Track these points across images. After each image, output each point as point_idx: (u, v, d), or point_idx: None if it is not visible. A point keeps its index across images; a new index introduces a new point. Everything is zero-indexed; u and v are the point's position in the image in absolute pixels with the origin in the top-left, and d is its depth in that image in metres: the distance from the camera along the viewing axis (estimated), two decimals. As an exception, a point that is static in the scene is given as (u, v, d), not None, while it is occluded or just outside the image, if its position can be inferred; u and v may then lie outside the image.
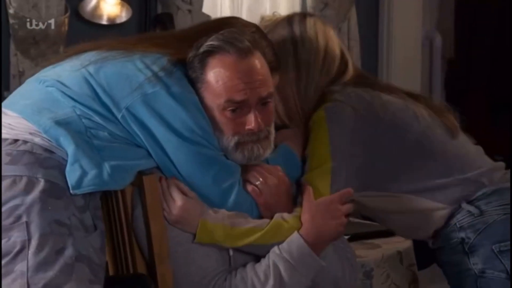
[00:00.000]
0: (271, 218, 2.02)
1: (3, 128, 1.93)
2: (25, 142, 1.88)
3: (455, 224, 2.21)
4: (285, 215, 2.03)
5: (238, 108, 1.99)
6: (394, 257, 2.58)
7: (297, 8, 4.69)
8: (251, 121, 2.00)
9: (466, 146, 2.32)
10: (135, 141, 1.97)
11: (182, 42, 2.08)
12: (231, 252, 2.00)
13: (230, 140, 2.02)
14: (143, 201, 1.97)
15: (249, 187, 2.05)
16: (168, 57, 2.02)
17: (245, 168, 2.07)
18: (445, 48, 5.12)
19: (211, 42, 2.00)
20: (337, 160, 2.09)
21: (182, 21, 3.93)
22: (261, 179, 2.05)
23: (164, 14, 3.89)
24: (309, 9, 4.47)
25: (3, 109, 2.00)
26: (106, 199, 2.02)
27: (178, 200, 1.98)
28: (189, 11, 3.99)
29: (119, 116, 1.95)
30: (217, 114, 2.01)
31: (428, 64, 5.08)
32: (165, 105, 1.95)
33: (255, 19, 4.48)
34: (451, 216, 2.22)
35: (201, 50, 2.01)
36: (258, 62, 2.01)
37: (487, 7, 5.14)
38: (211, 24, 2.22)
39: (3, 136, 1.91)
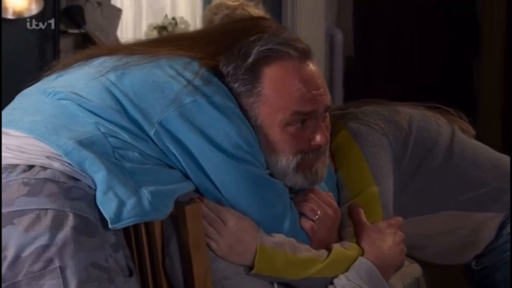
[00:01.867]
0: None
1: (7, 151, 1.61)
2: (43, 168, 1.56)
3: (508, 234, 1.99)
4: (344, 243, 1.78)
5: (304, 121, 1.71)
6: (413, 285, 2.35)
7: (198, 4, 4.50)
8: (319, 134, 1.72)
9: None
10: (169, 162, 1.66)
11: (208, 46, 1.79)
12: (275, 286, 1.72)
13: (291, 161, 1.72)
14: (183, 234, 1.64)
15: (307, 224, 1.76)
16: (198, 62, 1.73)
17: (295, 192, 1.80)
18: (345, 46, 5.07)
19: (264, 46, 1.70)
20: (380, 182, 1.87)
21: (92, 14, 3.64)
22: (319, 213, 1.77)
23: (73, 7, 3.59)
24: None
25: (3, 130, 1.67)
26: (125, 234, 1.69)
27: (230, 219, 1.67)
28: (99, 3, 3.70)
29: (151, 133, 1.63)
30: (276, 131, 1.71)
31: (329, 62, 5.01)
32: (206, 116, 1.65)
33: (155, 13, 4.37)
34: (502, 225, 2.00)
35: (252, 58, 1.70)
36: (315, 66, 1.75)
37: (386, 4, 5.12)
38: (236, 26, 1.92)
39: (10, 161, 1.59)
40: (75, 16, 3.58)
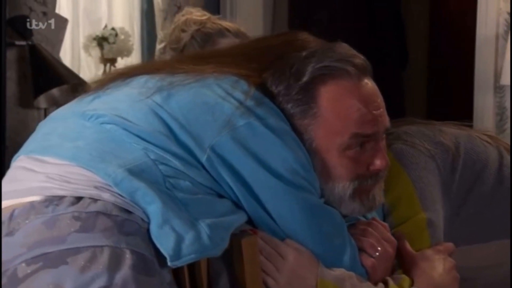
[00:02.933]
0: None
1: (49, 181, 1.44)
2: (93, 200, 1.41)
3: None
4: (396, 277, 1.64)
5: (363, 144, 1.58)
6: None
7: (136, 14, 4.30)
8: (379, 158, 1.59)
9: None
10: (220, 190, 1.51)
11: (249, 62, 1.65)
12: None
13: (347, 187, 1.58)
14: (238, 270, 1.49)
15: (368, 261, 1.61)
16: (246, 81, 1.58)
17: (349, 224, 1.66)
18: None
19: (320, 64, 1.56)
20: (428, 209, 1.73)
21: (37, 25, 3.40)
22: (379, 249, 1.63)
23: (18, 17, 3.33)
24: (161, 12, 4.09)
25: (35, 157, 1.52)
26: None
27: (289, 254, 1.52)
28: (44, 13, 3.46)
29: (203, 159, 1.48)
30: (334, 156, 1.57)
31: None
32: (260, 140, 1.51)
33: (91, 23, 4.15)
34: None
35: (307, 77, 1.56)
36: (373, 83, 1.61)
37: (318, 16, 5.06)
38: (275, 41, 1.76)
39: (54, 192, 1.43)
40: (20, 26, 3.31)
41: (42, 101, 3.35)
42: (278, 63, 1.63)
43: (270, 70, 1.63)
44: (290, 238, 1.54)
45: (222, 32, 2.77)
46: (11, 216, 1.42)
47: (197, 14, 2.84)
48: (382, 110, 1.59)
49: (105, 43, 4.01)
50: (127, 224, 1.39)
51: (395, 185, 1.73)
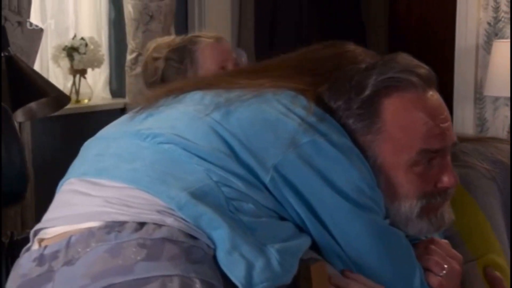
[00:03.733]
0: None
1: (108, 205, 1.35)
2: (157, 225, 1.31)
3: None
4: None
5: (430, 160, 1.48)
6: None
7: (104, 23, 4.16)
8: (447, 175, 1.49)
9: None
10: (282, 213, 1.41)
11: (302, 75, 1.56)
12: None
13: (415, 206, 1.49)
14: None
15: (435, 281, 1.51)
16: (303, 96, 1.49)
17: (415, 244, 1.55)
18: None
19: (383, 76, 1.47)
20: (501, 239, 1.64)
21: (11, 35, 3.25)
22: (446, 267, 1.53)
23: (-5, 27, 3.17)
24: (132, 21, 3.97)
25: (89, 180, 1.42)
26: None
27: None
28: (19, 23, 3.31)
29: (266, 180, 1.38)
30: (400, 173, 1.48)
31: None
32: (325, 158, 1.41)
33: (59, 34, 3.98)
34: None
35: (370, 90, 1.47)
36: (438, 94, 1.52)
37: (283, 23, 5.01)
38: (323, 53, 1.67)
39: (114, 217, 1.33)
40: (-5, 37, 3.14)
41: (19, 115, 3.18)
42: (335, 76, 1.55)
43: (326, 84, 1.54)
44: (356, 263, 1.44)
45: (193, 40, 2.71)
46: (68, 243, 1.31)
47: (162, 38, 2.78)
48: (449, 124, 1.50)
49: (75, 53, 3.85)
50: (194, 251, 1.30)
51: (462, 213, 1.62)
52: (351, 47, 1.68)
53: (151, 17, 3.98)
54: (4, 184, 1.75)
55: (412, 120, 1.46)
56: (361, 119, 1.48)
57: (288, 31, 5.03)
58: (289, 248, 1.36)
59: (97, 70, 4.10)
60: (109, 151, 1.46)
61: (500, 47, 3.50)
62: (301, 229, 1.42)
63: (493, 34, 3.70)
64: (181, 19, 4.40)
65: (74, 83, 3.96)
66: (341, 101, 1.49)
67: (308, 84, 1.53)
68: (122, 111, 4.11)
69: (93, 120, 3.87)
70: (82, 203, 1.38)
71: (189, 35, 2.81)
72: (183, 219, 1.32)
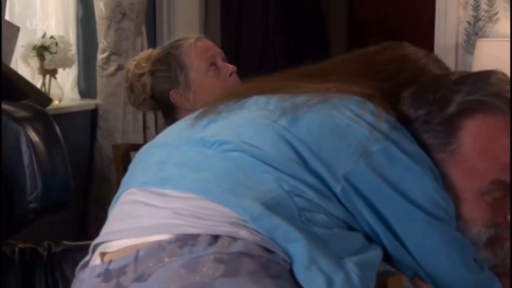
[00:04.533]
0: None
1: (177, 217, 1.27)
2: (233, 239, 1.24)
3: None
4: None
5: (505, 192, 1.40)
6: None
7: (72, 21, 4.02)
8: None
9: None
10: (353, 223, 1.35)
11: (368, 80, 1.49)
12: None
13: (483, 234, 1.42)
14: None
15: None
16: (371, 101, 1.41)
17: None
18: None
19: (472, 96, 1.39)
20: None
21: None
22: None
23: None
24: (104, 20, 3.84)
25: (152, 190, 1.34)
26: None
27: None
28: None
29: (337, 189, 1.31)
30: (468, 198, 1.41)
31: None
32: (398, 167, 1.34)
33: (26, 32, 3.82)
34: None
35: (455, 108, 1.40)
36: None
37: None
38: (387, 56, 1.59)
39: (186, 230, 1.25)
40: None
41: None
42: (419, 83, 1.48)
43: (409, 89, 1.47)
44: (430, 274, 1.38)
45: (174, 45, 2.63)
46: (136, 258, 1.23)
47: (139, 55, 2.71)
48: None
49: (46, 52, 3.70)
50: (271, 266, 1.23)
51: None
52: (412, 49, 1.61)
53: (124, 15, 3.85)
54: (47, 193, 1.65)
55: (494, 148, 1.38)
56: (438, 136, 1.41)
57: (254, 26, 4.98)
58: (366, 261, 1.31)
59: (66, 70, 3.95)
60: (172, 159, 1.38)
61: (483, 46, 3.50)
62: (370, 239, 1.37)
63: (473, 33, 3.71)
64: (149, 17, 4.29)
65: (44, 83, 3.81)
66: (422, 112, 1.43)
67: (373, 88, 1.46)
68: (93, 112, 3.99)
69: (64, 122, 3.72)
70: (148, 215, 1.30)
71: (166, 44, 2.73)
72: (257, 232, 1.25)
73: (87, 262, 1.35)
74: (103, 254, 1.31)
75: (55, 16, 3.99)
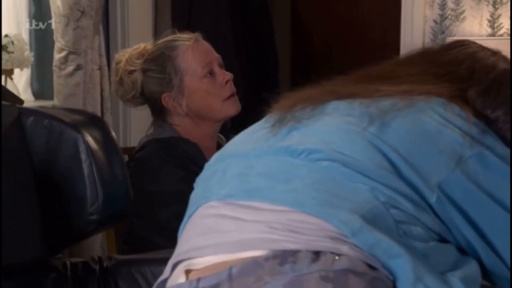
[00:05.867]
0: None
1: (271, 231, 1.20)
2: (336, 255, 1.16)
3: None
4: None
5: None
6: None
7: (24, 19, 3.84)
8: None
9: None
10: (446, 236, 1.27)
11: (441, 81, 1.40)
12: None
13: None
14: None
15: None
16: (455, 104, 1.34)
17: None
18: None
19: None
20: None
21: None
22: None
23: None
24: (61, 18, 3.67)
25: (237, 202, 1.27)
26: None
27: None
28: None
29: (432, 200, 1.24)
30: None
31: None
32: (494, 174, 1.27)
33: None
34: None
35: None
36: None
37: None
38: (456, 55, 1.52)
39: (284, 246, 1.18)
40: None
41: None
42: (487, 82, 1.41)
43: (473, 89, 1.44)
44: None
45: (169, 45, 2.51)
46: (230, 276, 1.16)
47: (132, 48, 2.57)
48: None
49: (4, 52, 3.52)
50: (377, 284, 1.17)
51: None
52: (476, 46, 1.57)
53: (83, 13, 3.69)
54: (108, 204, 1.54)
55: None
56: None
57: (206, 22, 4.90)
58: (469, 276, 1.24)
59: (17, 70, 3.77)
60: (255, 170, 1.31)
61: (453, 44, 3.52)
62: (462, 251, 1.29)
63: (439, 32, 3.73)
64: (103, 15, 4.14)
65: (-1, 84, 3.62)
66: (500, 112, 1.37)
67: (450, 89, 1.39)
68: (50, 114, 3.81)
69: (22, 125, 3.55)
70: (235, 229, 1.23)
71: (162, 40, 2.58)
72: (357, 247, 1.18)
73: (166, 280, 1.28)
74: (188, 272, 1.24)
75: (6, 14, 3.79)
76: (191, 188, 2.48)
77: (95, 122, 1.57)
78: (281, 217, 1.21)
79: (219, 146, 2.59)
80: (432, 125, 1.29)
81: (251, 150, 1.35)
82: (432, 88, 1.37)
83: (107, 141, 1.53)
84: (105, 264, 1.63)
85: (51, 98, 3.86)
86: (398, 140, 1.27)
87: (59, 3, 3.68)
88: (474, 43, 1.57)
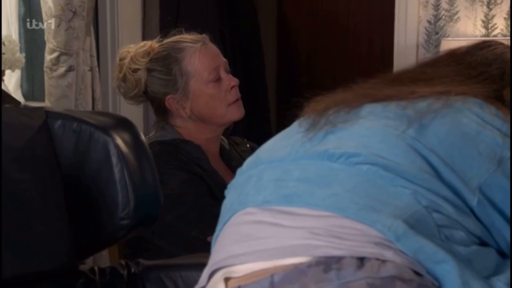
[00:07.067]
0: None
1: (314, 237, 1.17)
2: (381, 261, 1.14)
3: None
4: None
5: None
6: None
7: (14, 19, 3.79)
8: None
9: None
10: (487, 239, 1.25)
11: (473, 82, 1.40)
12: None
13: None
14: None
15: None
16: (489, 104, 1.33)
17: None
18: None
19: None
20: None
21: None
22: None
23: None
24: (53, 18, 3.63)
25: (276, 208, 1.24)
26: None
27: None
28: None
29: (473, 203, 1.23)
30: None
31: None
32: None
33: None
34: None
35: None
36: None
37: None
38: (486, 56, 1.50)
39: (327, 252, 1.15)
40: None
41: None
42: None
43: (507, 89, 1.43)
44: None
45: (176, 46, 2.47)
46: (272, 283, 1.14)
47: (137, 46, 2.52)
48: None
49: (-5, 53, 3.46)
50: None
51: None
52: (504, 47, 1.55)
53: (74, 13, 3.64)
54: (139, 208, 1.51)
55: None
56: None
57: (194, 24, 4.87)
58: None
59: (7, 71, 3.71)
60: (292, 175, 1.29)
61: (448, 45, 3.52)
62: (502, 254, 1.26)
63: (433, 32, 3.74)
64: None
65: (-10, 86, 3.56)
66: None
67: (484, 91, 1.38)
68: (42, 116, 3.76)
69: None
70: (275, 235, 1.20)
71: (168, 39, 2.53)
72: (403, 252, 1.15)
73: None
74: (227, 280, 1.22)
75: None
76: (194, 191, 2.44)
77: (125, 125, 1.53)
78: (322, 222, 1.19)
79: (222, 150, 2.57)
80: (471, 127, 1.27)
81: (287, 155, 1.33)
82: (467, 89, 1.36)
83: (137, 144, 1.50)
84: (132, 270, 1.59)
85: (42, 100, 3.81)
86: (437, 143, 1.25)
87: (50, 3, 3.63)
88: (501, 43, 1.57)
